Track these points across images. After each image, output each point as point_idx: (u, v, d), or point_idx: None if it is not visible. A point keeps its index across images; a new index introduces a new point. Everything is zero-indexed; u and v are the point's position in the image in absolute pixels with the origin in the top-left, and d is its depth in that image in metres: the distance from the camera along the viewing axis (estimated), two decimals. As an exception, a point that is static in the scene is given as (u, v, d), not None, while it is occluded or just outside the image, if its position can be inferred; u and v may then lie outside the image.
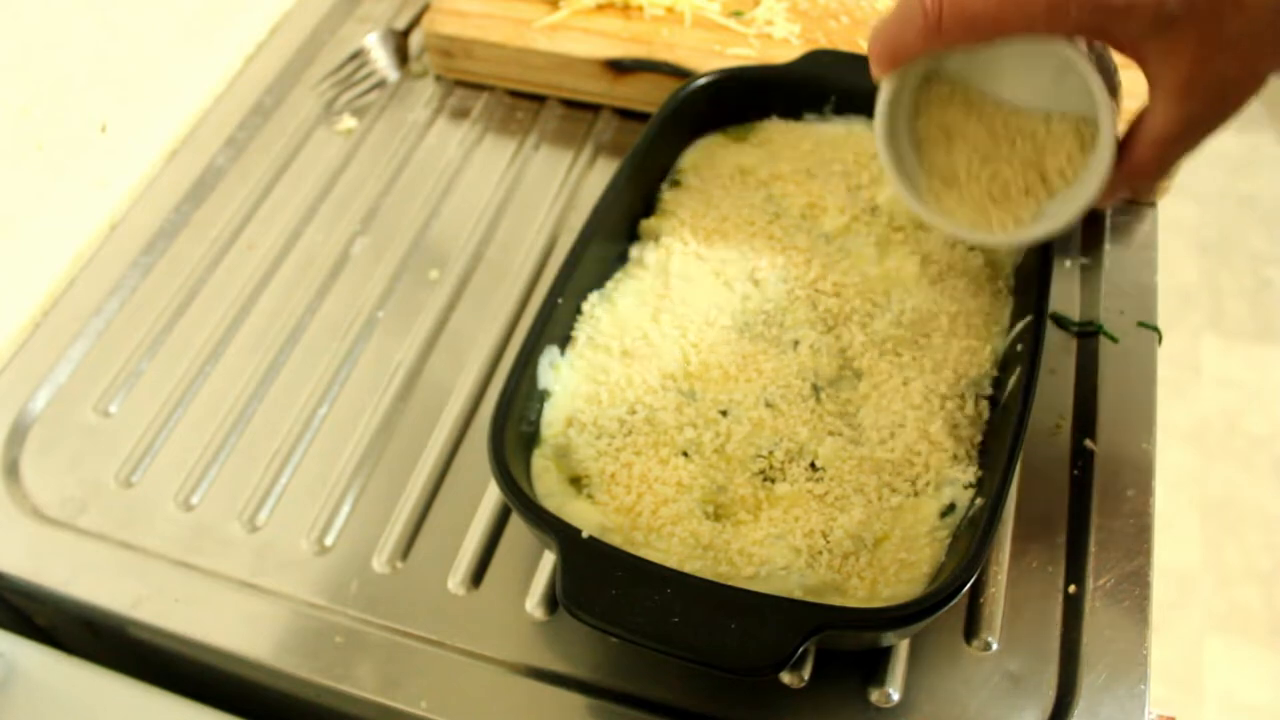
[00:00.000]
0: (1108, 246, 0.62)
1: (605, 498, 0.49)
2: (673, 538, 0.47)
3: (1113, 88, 0.45)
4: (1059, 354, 0.58)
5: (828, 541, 0.47)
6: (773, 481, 0.49)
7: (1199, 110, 0.41)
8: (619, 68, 0.69)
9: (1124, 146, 0.45)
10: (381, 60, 0.76)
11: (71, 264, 0.66)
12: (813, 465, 0.49)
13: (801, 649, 0.40)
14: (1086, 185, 0.46)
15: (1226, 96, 0.41)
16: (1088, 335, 0.59)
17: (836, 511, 0.48)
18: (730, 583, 0.44)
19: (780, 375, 0.52)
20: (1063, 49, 0.43)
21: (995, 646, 0.48)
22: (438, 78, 0.75)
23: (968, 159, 0.50)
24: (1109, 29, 0.40)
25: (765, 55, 0.69)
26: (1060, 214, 0.47)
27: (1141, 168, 0.44)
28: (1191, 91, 0.41)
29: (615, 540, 0.46)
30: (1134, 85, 0.44)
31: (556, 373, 0.53)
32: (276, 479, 0.55)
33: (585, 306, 0.55)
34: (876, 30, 0.44)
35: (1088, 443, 0.54)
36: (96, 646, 0.56)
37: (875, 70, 0.46)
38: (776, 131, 0.63)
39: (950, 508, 0.47)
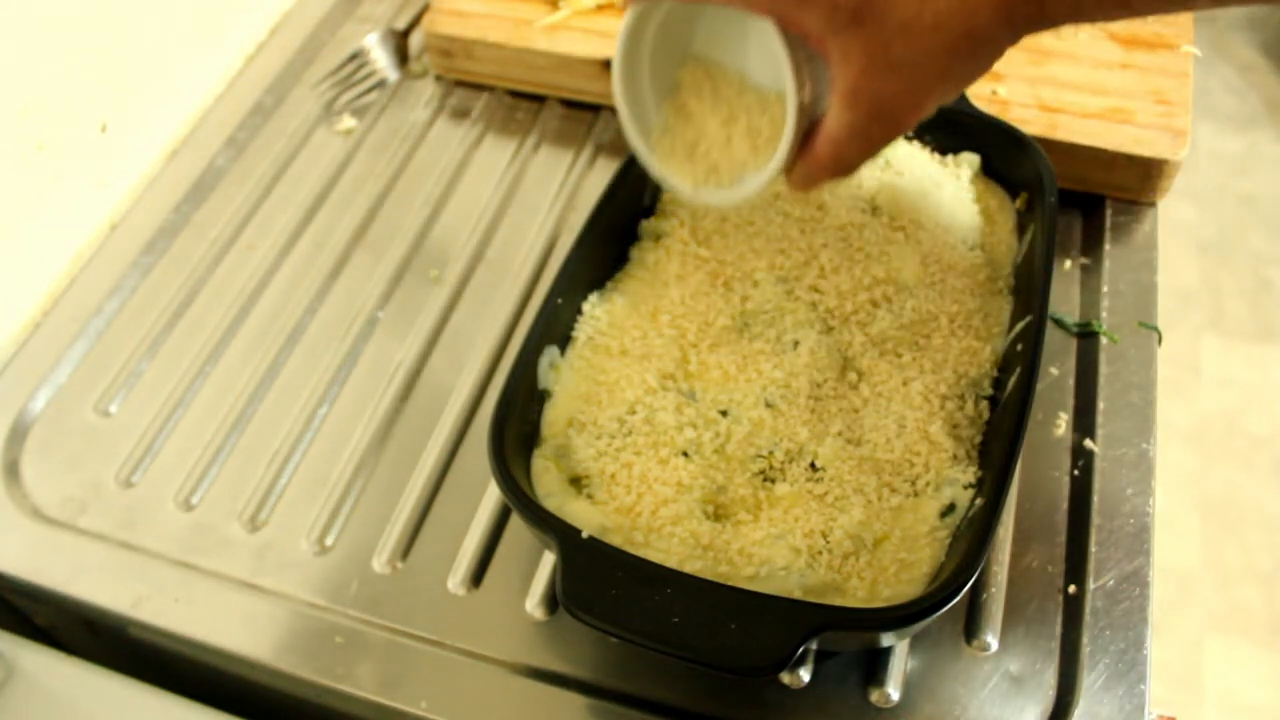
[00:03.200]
0: (1108, 246, 0.62)
1: (605, 498, 0.49)
2: (673, 538, 0.47)
3: (818, 78, 0.45)
4: (1059, 354, 0.58)
5: (828, 542, 0.47)
6: (773, 482, 0.49)
7: (862, 122, 0.42)
8: (619, 68, 0.69)
9: (808, 139, 0.45)
10: (381, 60, 0.76)
11: (71, 264, 0.66)
12: (813, 465, 0.49)
13: (801, 649, 0.40)
14: (767, 167, 0.47)
15: (890, 115, 0.42)
16: (1087, 335, 0.59)
17: (836, 512, 0.48)
18: (730, 583, 0.44)
19: (780, 376, 0.52)
20: (764, 24, 0.43)
21: (995, 646, 0.48)
22: (438, 78, 0.75)
23: (689, 117, 0.51)
24: (793, 17, 0.41)
25: (765, 55, 0.69)
26: (741, 188, 0.49)
27: (817, 162, 0.45)
28: (857, 101, 0.41)
29: (615, 540, 0.46)
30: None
31: (556, 373, 0.53)
32: (276, 479, 0.55)
33: (585, 306, 0.55)
34: None
35: (1088, 443, 0.54)
36: (96, 646, 0.56)
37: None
38: (776, 131, 0.63)
39: (950, 508, 0.47)
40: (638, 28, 0.48)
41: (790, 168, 0.46)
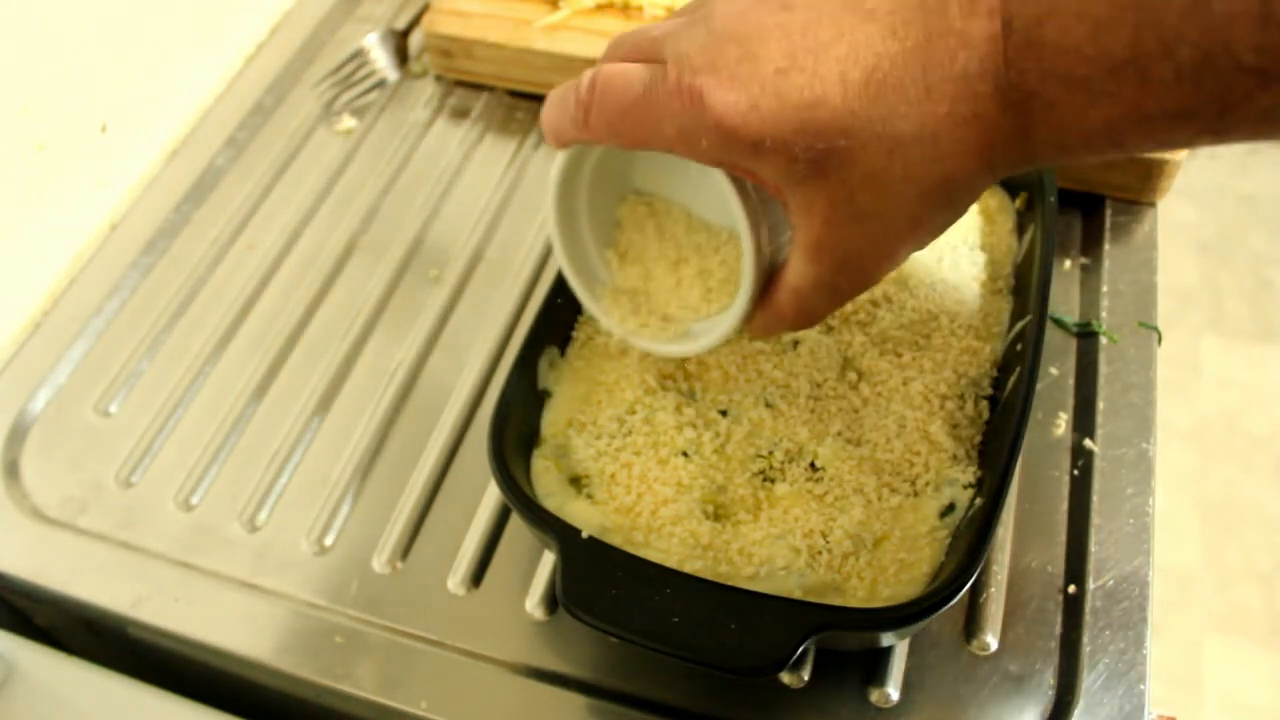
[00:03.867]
0: (1108, 246, 0.62)
1: (605, 498, 0.49)
2: (673, 538, 0.47)
3: (774, 222, 0.41)
4: (1059, 354, 0.58)
5: (827, 541, 0.47)
6: (773, 482, 0.49)
7: (828, 275, 0.39)
8: (619, 68, 0.69)
9: (769, 288, 0.42)
10: (381, 60, 0.76)
11: (71, 264, 0.66)
12: (812, 465, 0.49)
13: (801, 649, 0.40)
14: (725, 320, 0.43)
15: (858, 268, 0.39)
16: (1087, 335, 0.59)
17: (836, 512, 0.48)
18: (730, 583, 0.44)
19: (780, 375, 0.52)
20: (713, 172, 0.39)
21: (995, 646, 0.48)
22: (438, 78, 0.75)
23: (634, 260, 0.47)
24: (745, 167, 0.37)
25: (765, 55, 0.69)
26: (698, 340, 0.45)
27: (779, 315, 0.42)
28: (820, 254, 0.38)
29: (615, 540, 0.46)
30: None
31: (556, 373, 0.53)
32: (276, 479, 0.55)
33: (585, 306, 0.55)
34: (545, 105, 0.42)
35: (1088, 443, 0.54)
36: (96, 646, 0.56)
37: (548, 140, 0.43)
38: (776, 132, 0.63)
39: (950, 508, 0.47)
40: (572, 167, 0.45)
41: (749, 316, 0.43)
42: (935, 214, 0.37)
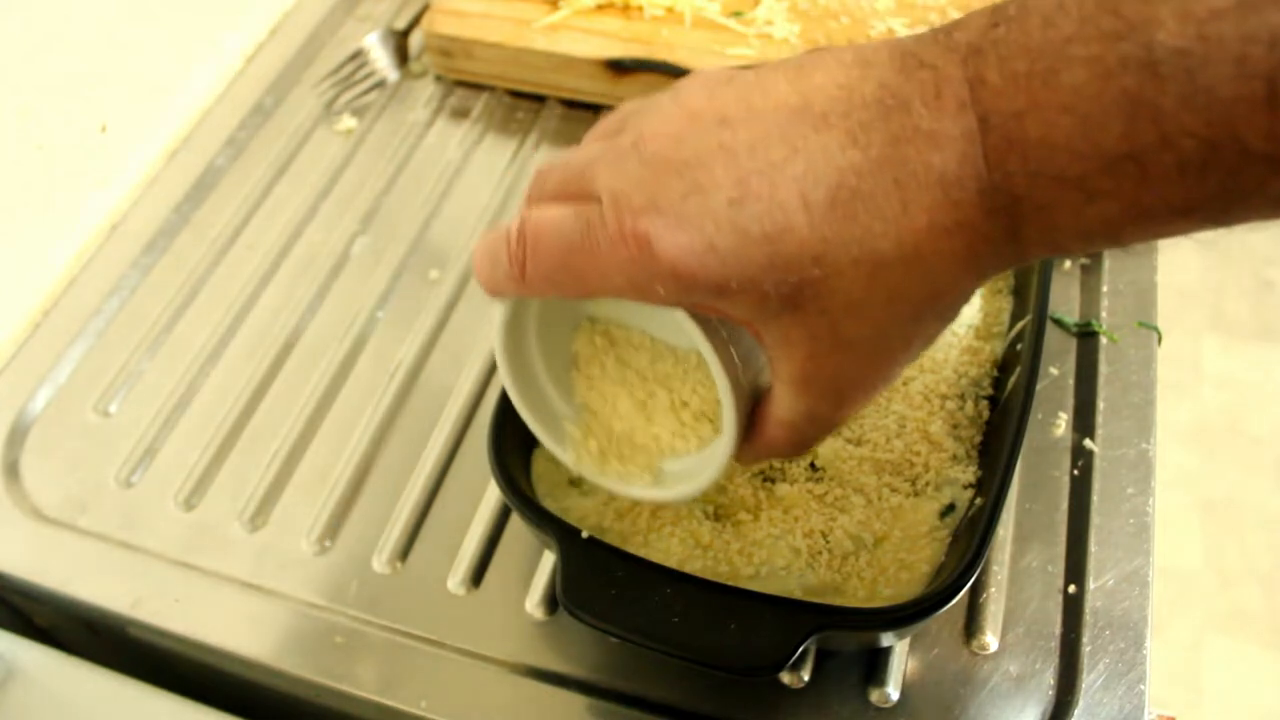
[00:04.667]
0: (1108, 246, 0.62)
1: (605, 497, 0.48)
2: (673, 538, 0.47)
3: (747, 352, 0.38)
4: (1059, 354, 0.58)
5: (827, 541, 0.47)
6: (773, 482, 0.49)
7: (821, 406, 0.36)
8: (619, 68, 0.69)
9: (756, 418, 0.38)
10: (381, 60, 0.76)
11: (71, 264, 0.66)
12: (813, 465, 0.49)
13: (801, 649, 0.40)
14: (710, 463, 0.40)
15: (852, 395, 0.36)
16: (1087, 335, 0.59)
17: (836, 511, 0.48)
18: (730, 583, 0.44)
19: (780, 375, 0.52)
20: (673, 310, 0.36)
21: (995, 646, 0.48)
22: (438, 78, 0.75)
23: (598, 399, 0.44)
24: (711, 307, 0.34)
25: (765, 55, 0.69)
26: (683, 484, 0.41)
27: (771, 447, 0.38)
28: (809, 387, 0.35)
29: (615, 540, 0.46)
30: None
31: (556, 373, 0.53)
32: (276, 479, 0.55)
33: (585, 306, 0.55)
34: (475, 256, 0.37)
35: (1088, 443, 0.54)
36: (96, 646, 0.56)
37: (485, 292, 0.39)
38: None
39: (950, 508, 0.48)
40: (517, 311, 0.41)
41: (735, 452, 0.39)
42: (927, 328, 0.35)
